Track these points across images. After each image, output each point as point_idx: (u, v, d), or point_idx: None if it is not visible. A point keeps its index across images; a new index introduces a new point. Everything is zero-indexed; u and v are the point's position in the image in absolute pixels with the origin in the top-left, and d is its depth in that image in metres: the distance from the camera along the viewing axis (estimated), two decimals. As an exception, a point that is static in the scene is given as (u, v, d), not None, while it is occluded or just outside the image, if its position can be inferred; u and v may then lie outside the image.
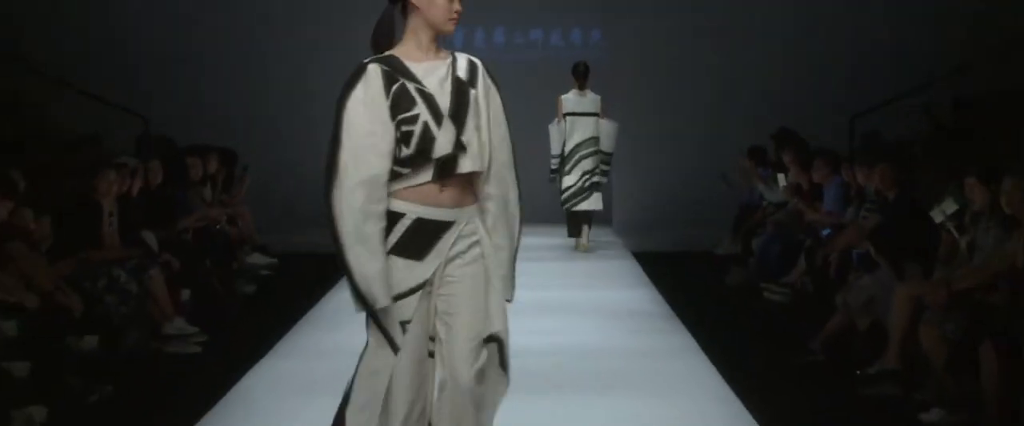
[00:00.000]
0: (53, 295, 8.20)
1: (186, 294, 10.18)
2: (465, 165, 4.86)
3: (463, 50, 5.07)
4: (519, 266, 5.06)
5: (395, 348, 4.86)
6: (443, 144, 4.80)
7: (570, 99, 14.05)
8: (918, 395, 7.67)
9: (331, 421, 5.11)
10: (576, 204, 14.01)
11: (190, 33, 15.93)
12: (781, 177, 12.45)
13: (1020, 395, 6.59)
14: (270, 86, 16.06)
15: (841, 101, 15.20)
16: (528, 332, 9.50)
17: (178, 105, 15.40)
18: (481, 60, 5.00)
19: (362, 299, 4.77)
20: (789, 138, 13.11)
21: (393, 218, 4.83)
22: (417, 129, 4.79)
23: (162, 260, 9.89)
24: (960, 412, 7.17)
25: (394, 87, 4.80)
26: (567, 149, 13.97)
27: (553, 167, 14.21)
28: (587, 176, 13.84)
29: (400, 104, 4.79)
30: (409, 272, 4.84)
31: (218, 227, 12.17)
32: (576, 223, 14.31)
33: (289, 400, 7.66)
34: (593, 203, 13.97)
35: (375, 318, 4.85)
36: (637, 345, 8.50)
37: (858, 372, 8.30)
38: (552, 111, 14.23)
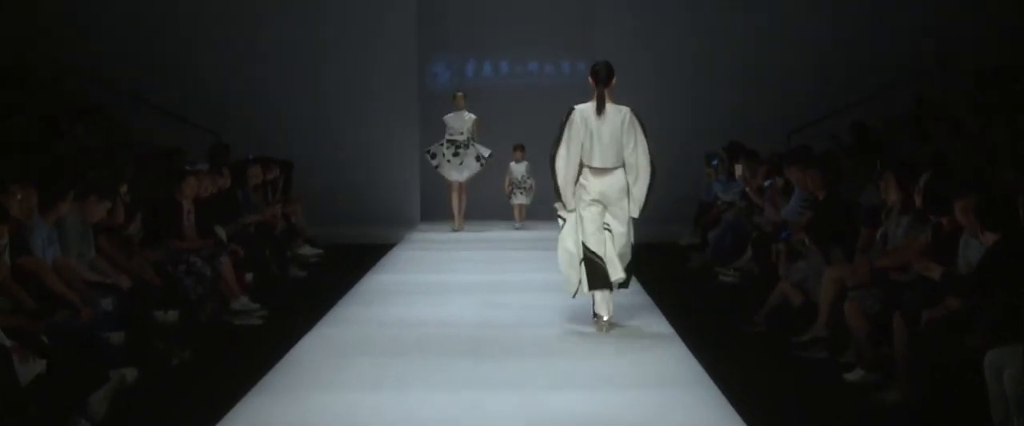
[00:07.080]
0: (143, 277, 8.22)
1: (250, 277, 10.15)
2: None
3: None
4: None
5: None
6: None
7: None
8: (842, 358, 7.67)
9: None
10: None
11: (253, 63, 15.79)
12: (738, 168, 12.49)
13: (923, 357, 6.49)
14: (320, 109, 15.88)
15: (780, 122, 15.27)
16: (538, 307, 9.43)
17: (243, 121, 15.28)
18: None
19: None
20: (738, 149, 13.10)
21: None
22: None
23: (230, 249, 9.89)
24: (876, 372, 7.15)
25: None
26: None
27: None
28: None
29: None
30: None
31: (274, 223, 12.07)
32: None
33: (333, 360, 7.70)
34: None
35: None
36: (616, 316, 8.56)
37: (793, 339, 8.28)
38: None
